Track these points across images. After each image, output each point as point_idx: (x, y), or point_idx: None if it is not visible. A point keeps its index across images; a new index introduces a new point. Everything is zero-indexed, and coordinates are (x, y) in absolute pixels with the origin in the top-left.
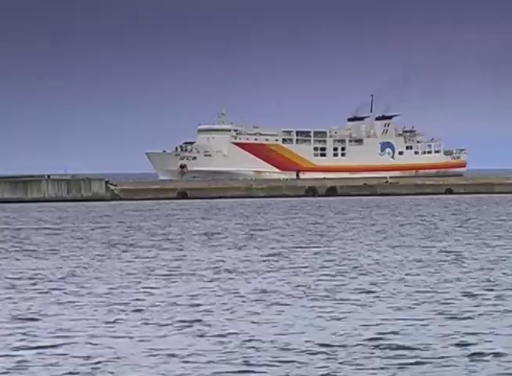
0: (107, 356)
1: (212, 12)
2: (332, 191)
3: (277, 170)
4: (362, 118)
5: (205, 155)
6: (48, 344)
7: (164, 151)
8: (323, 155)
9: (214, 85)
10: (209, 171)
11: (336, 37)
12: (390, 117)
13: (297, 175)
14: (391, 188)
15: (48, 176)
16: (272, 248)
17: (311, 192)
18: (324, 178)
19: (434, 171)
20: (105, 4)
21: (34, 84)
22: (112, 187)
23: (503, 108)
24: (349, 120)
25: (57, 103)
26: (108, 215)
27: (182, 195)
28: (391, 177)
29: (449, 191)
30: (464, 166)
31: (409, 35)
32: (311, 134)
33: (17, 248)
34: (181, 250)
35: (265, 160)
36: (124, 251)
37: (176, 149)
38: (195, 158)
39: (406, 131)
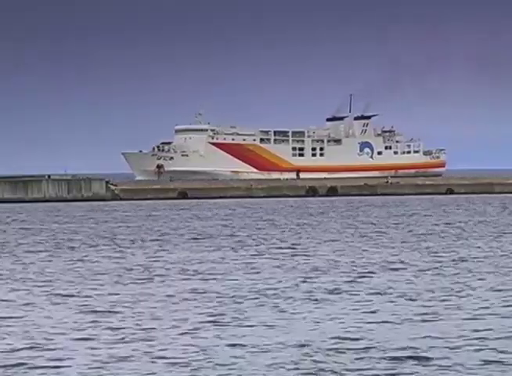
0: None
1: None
2: (332, 191)
3: (255, 170)
4: (340, 118)
5: (182, 155)
6: None
7: (141, 151)
8: (301, 155)
9: (193, 85)
10: (186, 171)
11: (313, 38)
12: (368, 117)
13: (298, 174)
14: (391, 188)
15: (49, 176)
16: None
17: (312, 192)
18: (324, 179)
19: (413, 171)
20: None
21: (34, 85)
22: (112, 187)
23: (483, 108)
24: (328, 120)
25: (57, 103)
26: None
27: (183, 195)
28: (391, 176)
29: (450, 191)
30: (443, 166)
31: (389, 35)
32: (289, 134)
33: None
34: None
35: (242, 160)
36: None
37: (153, 149)
38: (172, 158)
39: (385, 131)
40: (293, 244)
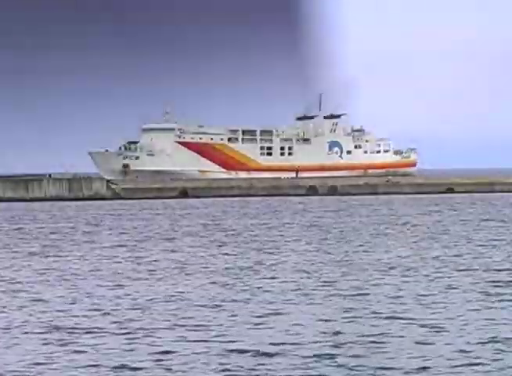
0: None
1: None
2: (333, 190)
3: (223, 169)
4: (311, 117)
5: (148, 154)
6: None
7: (107, 150)
8: (270, 154)
9: (161, 84)
10: (152, 170)
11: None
12: (338, 116)
13: (297, 173)
14: (392, 187)
15: (50, 175)
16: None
17: (312, 191)
18: (324, 178)
19: (383, 170)
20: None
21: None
22: (113, 186)
23: (455, 108)
24: (298, 119)
25: (57, 104)
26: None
27: (183, 194)
28: (391, 176)
29: (450, 190)
30: (414, 165)
31: (361, 33)
32: (258, 133)
33: None
34: None
35: (209, 159)
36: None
37: (120, 148)
38: (138, 158)
39: (355, 131)
40: None
